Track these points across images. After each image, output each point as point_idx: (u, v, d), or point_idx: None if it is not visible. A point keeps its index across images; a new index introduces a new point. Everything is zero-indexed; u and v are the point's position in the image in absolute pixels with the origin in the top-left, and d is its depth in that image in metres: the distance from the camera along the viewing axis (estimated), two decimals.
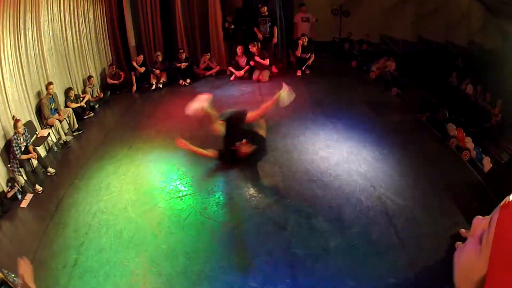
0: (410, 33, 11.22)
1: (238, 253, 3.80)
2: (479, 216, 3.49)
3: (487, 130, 6.59)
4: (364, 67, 10.02)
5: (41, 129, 6.40)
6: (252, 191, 4.78)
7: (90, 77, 8.27)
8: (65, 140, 6.58)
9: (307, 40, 9.30)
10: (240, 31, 9.82)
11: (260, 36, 9.31)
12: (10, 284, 3.43)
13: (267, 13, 9.12)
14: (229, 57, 9.98)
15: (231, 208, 4.48)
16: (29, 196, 5.16)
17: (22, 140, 5.35)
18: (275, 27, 9.31)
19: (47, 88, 6.47)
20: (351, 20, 11.53)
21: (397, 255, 3.68)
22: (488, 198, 4.58)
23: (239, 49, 9.12)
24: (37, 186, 5.29)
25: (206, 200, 4.65)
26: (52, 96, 6.60)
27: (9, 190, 5.12)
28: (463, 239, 3.73)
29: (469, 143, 5.73)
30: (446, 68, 9.30)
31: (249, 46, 8.88)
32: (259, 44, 9.01)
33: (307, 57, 9.43)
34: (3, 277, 3.43)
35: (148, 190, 4.95)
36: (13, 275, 3.51)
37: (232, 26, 9.38)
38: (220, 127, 5.13)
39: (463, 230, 3.88)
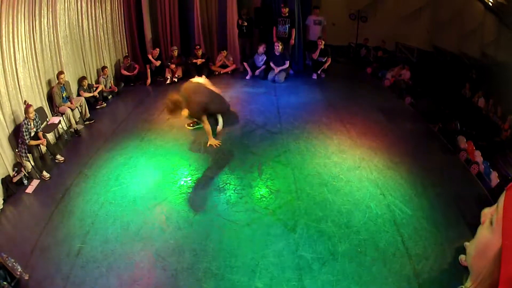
0: (425, 42, 11.15)
1: (246, 253, 3.77)
2: (486, 208, 3.60)
3: (497, 144, 6.52)
4: (379, 74, 9.95)
5: (52, 116, 6.41)
6: (263, 191, 4.74)
7: (104, 67, 8.27)
8: (75, 129, 6.57)
9: (323, 43, 9.24)
10: (257, 30, 9.77)
11: (275, 38, 9.27)
12: (9, 269, 3.44)
13: (287, 14, 9.09)
14: (242, 55, 9.93)
15: (241, 207, 4.44)
16: (35, 182, 5.16)
17: (32, 125, 5.33)
18: (294, 29, 9.27)
19: (58, 77, 6.44)
20: (368, 25, 11.49)
21: (402, 264, 3.67)
22: None
23: (261, 47, 9.06)
24: (44, 173, 5.29)
25: (216, 198, 4.63)
26: (64, 85, 6.58)
27: (15, 174, 5.12)
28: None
29: (478, 156, 5.68)
30: (459, 79, 9.22)
31: (275, 45, 8.87)
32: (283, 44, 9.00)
33: (323, 60, 9.37)
34: (2, 261, 3.43)
35: (158, 184, 4.92)
36: (12, 260, 3.52)
37: (246, 24, 9.33)
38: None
39: (467, 243, 3.84)
